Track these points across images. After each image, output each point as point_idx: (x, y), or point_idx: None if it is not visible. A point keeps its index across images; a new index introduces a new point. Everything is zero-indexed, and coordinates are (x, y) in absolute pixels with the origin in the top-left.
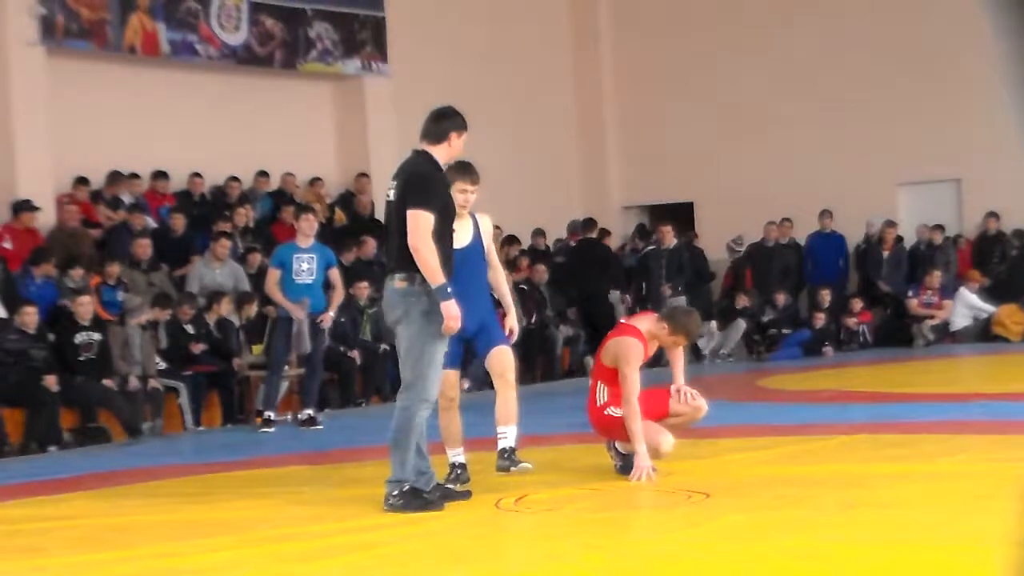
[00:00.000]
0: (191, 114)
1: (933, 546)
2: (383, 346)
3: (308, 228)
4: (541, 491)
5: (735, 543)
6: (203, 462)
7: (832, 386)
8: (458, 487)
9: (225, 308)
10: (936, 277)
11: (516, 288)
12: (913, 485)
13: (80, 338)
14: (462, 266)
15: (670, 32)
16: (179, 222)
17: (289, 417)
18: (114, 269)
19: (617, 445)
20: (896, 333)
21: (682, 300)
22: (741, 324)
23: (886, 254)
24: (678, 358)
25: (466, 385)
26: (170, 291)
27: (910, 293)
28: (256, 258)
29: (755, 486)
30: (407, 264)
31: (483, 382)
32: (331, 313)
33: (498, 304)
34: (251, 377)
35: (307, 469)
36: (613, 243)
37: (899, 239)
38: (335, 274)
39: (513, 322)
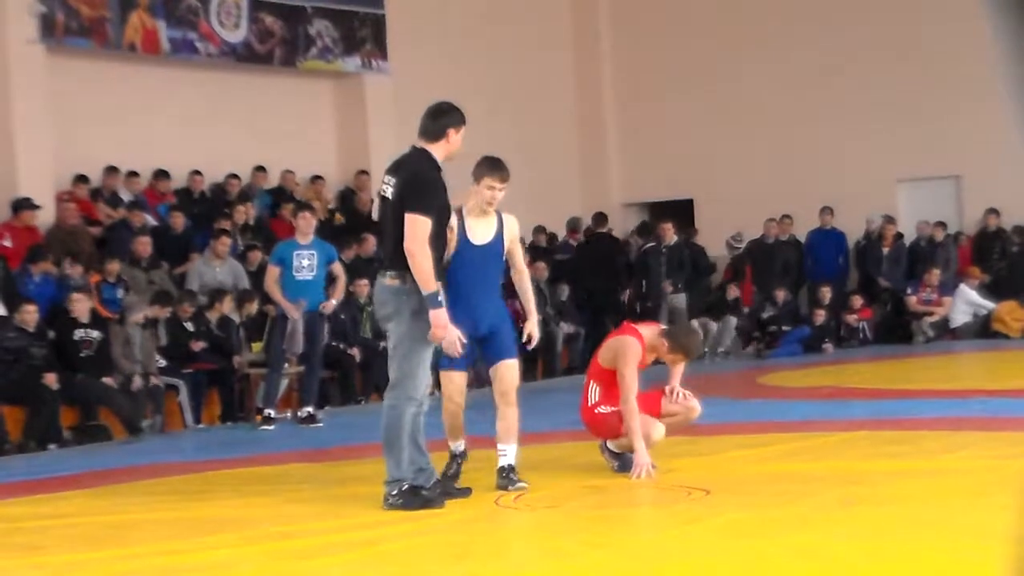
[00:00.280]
0: (191, 112)
1: (933, 542)
2: (383, 344)
3: (306, 226)
4: (541, 488)
5: (735, 540)
6: (203, 460)
7: (832, 383)
8: (456, 471)
9: (227, 306)
10: (936, 274)
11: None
12: (913, 481)
13: (79, 334)
14: (478, 263)
15: (670, 31)
16: (179, 220)
17: (289, 415)
18: (114, 267)
19: (609, 444)
20: (896, 330)
21: (682, 297)
22: (732, 321)
23: (886, 251)
24: (677, 366)
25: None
26: (170, 289)
27: (910, 290)
28: (256, 256)
29: (755, 483)
30: (400, 263)
31: (484, 380)
32: (334, 301)
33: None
34: (251, 375)
35: (307, 467)
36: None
37: (899, 236)
38: (338, 267)
39: (533, 327)
